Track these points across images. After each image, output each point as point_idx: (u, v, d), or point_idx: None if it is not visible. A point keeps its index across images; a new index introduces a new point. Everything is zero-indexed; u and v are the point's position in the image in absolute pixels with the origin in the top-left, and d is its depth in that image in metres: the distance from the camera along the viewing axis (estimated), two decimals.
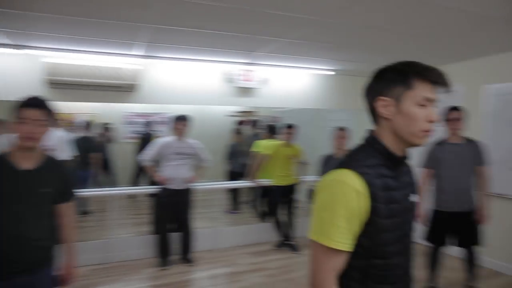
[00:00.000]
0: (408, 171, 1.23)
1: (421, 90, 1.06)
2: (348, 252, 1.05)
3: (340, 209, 1.01)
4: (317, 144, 5.96)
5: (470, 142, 3.12)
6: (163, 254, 4.09)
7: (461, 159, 3.07)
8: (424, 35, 3.32)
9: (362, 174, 1.04)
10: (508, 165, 3.93)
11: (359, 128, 6.07)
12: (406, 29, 3.17)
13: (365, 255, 1.07)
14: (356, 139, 6.52)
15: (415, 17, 2.83)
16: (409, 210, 1.17)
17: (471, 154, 3.07)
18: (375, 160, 1.10)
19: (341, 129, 3.67)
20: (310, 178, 4.85)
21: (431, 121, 1.07)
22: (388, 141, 1.12)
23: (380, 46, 3.78)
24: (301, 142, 4.92)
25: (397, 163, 1.13)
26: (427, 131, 1.08)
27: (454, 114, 3.09)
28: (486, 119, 4.16)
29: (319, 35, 3.34)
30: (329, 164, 3.65)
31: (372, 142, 1.14)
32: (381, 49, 3.89)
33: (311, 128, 6.26)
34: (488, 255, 3.90)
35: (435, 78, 1.06)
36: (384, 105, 1.10)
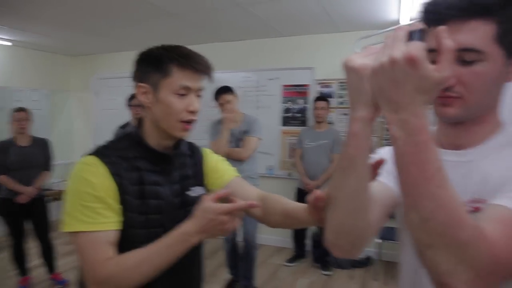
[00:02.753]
0: (188, 164, 1.13)
1: (179, 78, 0.96)
2: (116, 230, 0.94)
3: (87, 188, 0.91)
4: None
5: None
6: None
7: None
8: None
9: (109, 163, 0.96)
10: None
11: (56, 111, 5.57)
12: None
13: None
14: (50, 123, 5.81)
15: None
16: (183, 206, 1.08)
17: None
18: (133, 151, 1.01)
19: (21, 110, 3.15)
20: None
21: (191, 112, 0.99)
22: (150, 132, 1.03)
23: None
24: None
25: (159, 156, 1.04)
26: (186, 121, 1.00)
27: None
28: None
29: None
30: (10, 152, 3.08)
31: (134, 133, 1.05)
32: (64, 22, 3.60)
33: None
34: (269, 233, 4.18)
35: (195, 65, 0.97)
36: (143, 92, 1.00)
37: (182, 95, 0.98)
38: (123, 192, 0.95)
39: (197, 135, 4.39)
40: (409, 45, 0.50)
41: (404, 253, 0.83)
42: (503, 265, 0.52)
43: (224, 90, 3.00)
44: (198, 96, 1.02)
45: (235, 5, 3.13)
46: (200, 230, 0.91)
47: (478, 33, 0.62)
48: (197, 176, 1.15)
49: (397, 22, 3.46)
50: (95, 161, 0.95)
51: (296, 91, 4.24)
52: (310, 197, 0.78)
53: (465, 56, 0.63)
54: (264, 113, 4.27)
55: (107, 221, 0.92)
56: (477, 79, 0.63)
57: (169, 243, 0.92)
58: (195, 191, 1.12)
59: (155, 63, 0.98)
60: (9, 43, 4.53)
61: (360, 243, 0.72)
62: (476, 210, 0.68)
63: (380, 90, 0.54)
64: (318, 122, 3.70)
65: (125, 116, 3.32)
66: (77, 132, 5.69)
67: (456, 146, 0.73)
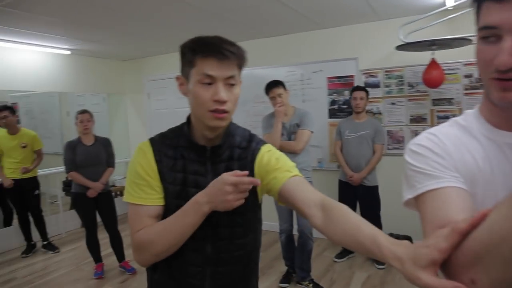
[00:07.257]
0: (236, 157, 1.08)
1: (201, 67, 0.96)
2: (156, 206, 1.03)
3: (136, 168, 1.04)
4: (67, 131, 5.43)
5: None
6: None
7: None
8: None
9: (156, 149, 1.06)
10: None
11: (113, 112, 5.98)
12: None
13: None
14: (108, 123, 6.20)
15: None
16: None
17: None
18: (180, 141, 1.08)
19: (84, 112, 3.45)
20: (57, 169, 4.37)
21: (216, 101, 0.96)
22: (193, 122, 1.08)
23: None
24: (46, 129, 4.38)
25: (199, 148, 1.06)
26: (214, 111, 0.97)
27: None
28: None
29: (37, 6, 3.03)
30: (77, 150, 3.39)
31: (183, 123, 1.11)
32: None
33: (56, 114, 5.68)
34: None
35: (213, 52, 0.95)
36: (180, 83, 1.06)
37: (208, 84, 0.97)
38: (162, 178, 1.04)
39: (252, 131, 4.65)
40: None
41: None
42: None
43: (275, 84, 3.08)
44: (229, 84, 0.99)
45: (273, 1, 3.20)
46: (208, 200, 0.94)
47: None
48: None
49: (443, 4, 3.29)
50: (146, 145, 1.07)
51: (341, 83, 4.25)
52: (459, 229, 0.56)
53: None
54: (311, 106, 4.29)
55: (148, 197, 1.02)
56: None
57: (184, 210, 0.98)
58: None
59: (184, 54, 1.01)
60: (68, 52, 4.91)
61: None
62: None
63: None
64: (357, 113, 3.65)
65: (176, 115, 3.52)
66: (132, 131, 6.05)
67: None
